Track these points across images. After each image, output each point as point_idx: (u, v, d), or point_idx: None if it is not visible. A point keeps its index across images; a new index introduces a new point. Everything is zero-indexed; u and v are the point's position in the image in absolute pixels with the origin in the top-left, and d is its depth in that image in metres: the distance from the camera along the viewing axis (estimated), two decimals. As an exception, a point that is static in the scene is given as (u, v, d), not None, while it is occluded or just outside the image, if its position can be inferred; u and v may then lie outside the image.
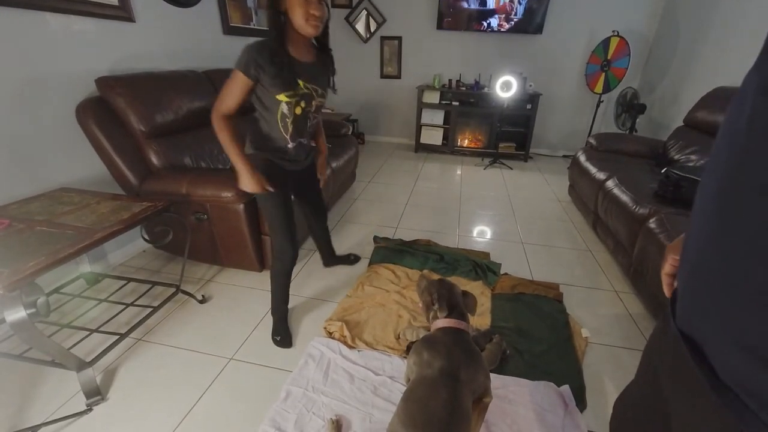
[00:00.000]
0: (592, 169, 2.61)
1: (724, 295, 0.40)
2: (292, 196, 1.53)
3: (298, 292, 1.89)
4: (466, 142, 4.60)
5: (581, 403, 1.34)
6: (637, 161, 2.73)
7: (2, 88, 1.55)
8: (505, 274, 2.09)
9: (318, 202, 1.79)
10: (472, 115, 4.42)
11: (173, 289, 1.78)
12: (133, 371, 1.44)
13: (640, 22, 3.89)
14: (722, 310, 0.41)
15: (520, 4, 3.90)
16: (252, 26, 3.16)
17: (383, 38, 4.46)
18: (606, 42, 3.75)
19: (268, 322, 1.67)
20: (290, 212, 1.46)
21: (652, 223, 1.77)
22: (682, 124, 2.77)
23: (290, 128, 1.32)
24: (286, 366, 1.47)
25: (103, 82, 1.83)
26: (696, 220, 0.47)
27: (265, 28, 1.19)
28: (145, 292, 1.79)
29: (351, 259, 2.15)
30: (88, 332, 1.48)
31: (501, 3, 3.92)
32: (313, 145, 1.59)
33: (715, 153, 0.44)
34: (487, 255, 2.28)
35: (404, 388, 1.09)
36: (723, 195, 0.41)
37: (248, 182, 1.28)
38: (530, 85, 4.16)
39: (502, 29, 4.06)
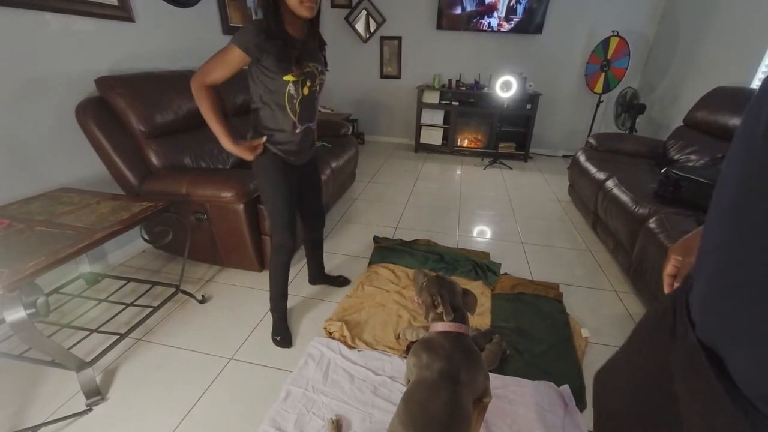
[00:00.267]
0: (592, 169, 2.61)
1: (747, 309, 0.40)
2: None
3: (297, 292, 1.89)
4: (466, 142, 4.60)
5: (581, 403, 1.34)
6: (637, 161, 2.73)
7: (2, 88, 1.55)
8: (505, 274, 2.09)
9: (317, 207, 1.70)
10: (472, 115, 4.43)
11: (173, 289, 1.78)
12: (133, 371, 1.44)
13: (640, 22, 3.90)
14: (742, 325, 0.41)
15: (519, 3, 3.90)
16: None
17: (383, 38, 4.46)
18: (606, 42, 3.75)
19: (268, 322, 1.67)
20: (293, 205, 1.46)
21: (652, 223, 1.77)
22: (682, 124, 2.77)
23: (298, 110, 1.30)
24: (286, 366, 1.47)
25: (103, 82, 1.83)
26: (710, 234, 0.46)
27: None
28: (145, 292, 1.79)
29: (340, 281, 1.97)
30: (88, 332, 1.48)
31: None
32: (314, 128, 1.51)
33: (728, 165, 0.43)
34: (487, 255, 2.28)
35: (404, 389, 1.09)
36: (739, 207, 0.40)
37: (235, 152, 1.29)
38: (530, 85, 4.16)
39: (502, 29, 4.06)
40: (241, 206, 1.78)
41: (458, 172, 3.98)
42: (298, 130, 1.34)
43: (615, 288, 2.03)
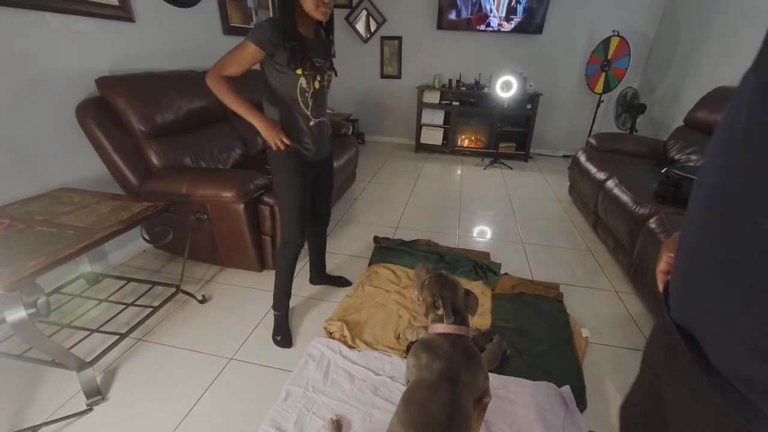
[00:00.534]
0: (593, 169, 2.61)
1: (719, 287, 0.41)
2: None
3: (298, 292, 1.88)
4: (466, 142, 4.60)
5: (581, 403, 1.34)
6: (638, 161, 2.73)
7: (2, 88, 1.55)
8: (506, 274, 2.09)
9: (325, 207, 1.72)
10: (472, 115, 4.42)
11: (173, 289, 1.78)
12: (133, 371, 1.44)
13: (641, 22, 3.89)
14: (715, 304, 0.42)
15: (520, 3, 3.90)
16: (252, 26, 3.15)
17: (383, 38, 4.46)
18: (606, 42, 3.75)
19: (268, 322, 1.67)
20: (306, 201, 1.48)
21: (652, 223, 1.77)
22: (683, 124, 2.77)
23: (310, 103, 1.35)
24: (286, 366, 1.47)
25: (103, 82, 1.83)
26: (691, 218, 0.47)
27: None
28: (145, 292, 1.79)
29: (341, 282, 1.98)
30: (88, 332, 1.48)
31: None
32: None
33: (710, 155, 0.44)
34: (487, 255, 2.28)
35: (404, 389, 1.09)
36: (719, 195, 0.41)
37: (266, 131, 1.31)
38: (530, 85, 4.16)
39: (502, 29, 4.06)
40: (242, 206, 1.78)
41: (458, 172, 3.98)
42: (312, 123, 1.39)
43: (615, 288, 2.03)
